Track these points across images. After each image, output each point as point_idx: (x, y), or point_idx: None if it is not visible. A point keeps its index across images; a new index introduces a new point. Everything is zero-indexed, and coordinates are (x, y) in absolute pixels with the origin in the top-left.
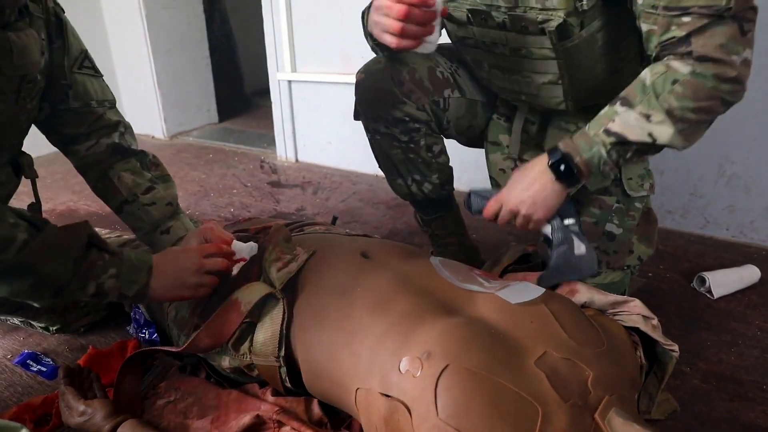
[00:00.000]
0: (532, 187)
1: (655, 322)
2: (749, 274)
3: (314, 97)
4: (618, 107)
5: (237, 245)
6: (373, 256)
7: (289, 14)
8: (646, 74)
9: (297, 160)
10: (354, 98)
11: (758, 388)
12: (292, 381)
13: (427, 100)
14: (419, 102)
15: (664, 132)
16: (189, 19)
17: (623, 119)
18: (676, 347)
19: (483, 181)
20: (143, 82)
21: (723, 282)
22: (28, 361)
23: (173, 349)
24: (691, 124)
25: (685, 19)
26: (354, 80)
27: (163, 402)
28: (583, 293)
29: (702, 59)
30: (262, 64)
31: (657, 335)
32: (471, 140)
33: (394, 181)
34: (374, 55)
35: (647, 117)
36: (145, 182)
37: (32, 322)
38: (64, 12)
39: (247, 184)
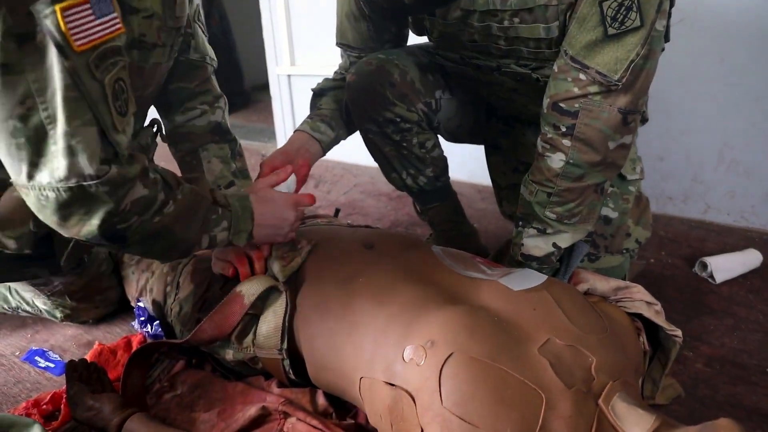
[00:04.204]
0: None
1: (658, 307)
2: (751, 258)
3: None
4: (522, 229)
5: (280, 187)
6: (375, 246)
7: (286, 9)
8: (525, 190)
9: None
10: (346, 95)
11: (761, 372)
12: (296, 373)
13: (418, 102)
14: (410, 104)
15: (563, 238)
16: None
17: (528, 241)
18: (679, 332)
19: (483, 172)
20: None
21: (725, 267)
22: (35, 358)
23: (177, 341)
24: (582, 215)
25: (582, 76)
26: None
27: (170, 395)
28: (585, 280)
29: (578, 140)
30: (261, 59)
31: (660, 321)
32: (458, 137)
33: (389, 174)
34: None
35: (543, 231)
36: (229, 175)
37: (40, 307)
38: None
39: None
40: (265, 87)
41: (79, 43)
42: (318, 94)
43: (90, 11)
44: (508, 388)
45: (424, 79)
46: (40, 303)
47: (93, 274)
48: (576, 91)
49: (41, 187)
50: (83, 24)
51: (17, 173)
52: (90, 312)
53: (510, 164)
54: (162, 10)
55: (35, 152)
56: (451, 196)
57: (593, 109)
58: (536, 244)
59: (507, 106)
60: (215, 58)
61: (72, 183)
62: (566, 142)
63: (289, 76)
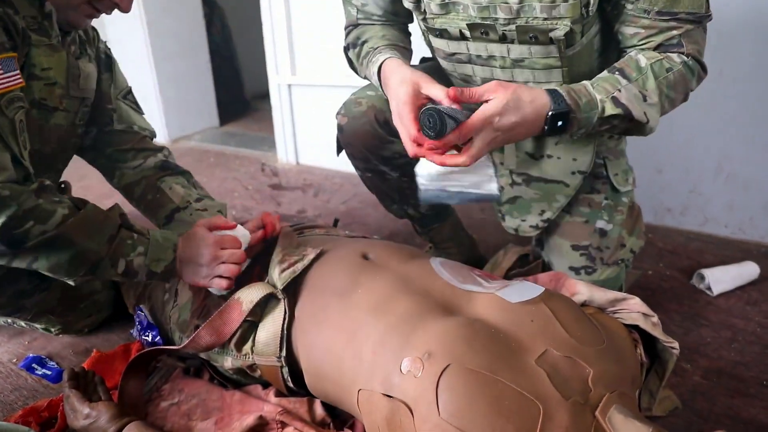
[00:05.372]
0: (516, 128)
1: (655, 319)
2: (748, 270)
3: (314, 99)
4: (619, 78)
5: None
6: (373, 257)
7: (287, 18)
8: (639, 56)
9: (298, 163)
10: (337, 137)
11: (759, 384)
12: (294, 381)
13: None
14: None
15: (653, 115)
16: (189, 24)
17: (628, 92)
18: (676, 344)
19: None
20: (144, 88)
21: (722, 278)
22: (33, 365)
23: (175, 348)
24: (664, 112)
25: (674, 23)
26: (351, 83)
27: (167, 404)
28: (582, 292)
29: (694, 58)
30: (262, 68)
31: (657, 332)
32: None
33: (389, 206)
34: None
35: (644, 96)
36: (195, 193)
37: (33, 325)
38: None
39: (249, 187)
40: (265, 96)
41: None
42: (354, 44)
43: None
44: (505, 400)
45: None
46: (27, 324)
47: (64, 284)
48: (674, 32)
49: None
50: None
51: None
52: (81, 321)
53: (507, 179)
54: (65, 81)
55: None
56: (450, 214)
57: (692, 35)
58: (634, 101)
59: None
60: (149, 128)
61: None
62: (682, 57)
63: (289, 85)
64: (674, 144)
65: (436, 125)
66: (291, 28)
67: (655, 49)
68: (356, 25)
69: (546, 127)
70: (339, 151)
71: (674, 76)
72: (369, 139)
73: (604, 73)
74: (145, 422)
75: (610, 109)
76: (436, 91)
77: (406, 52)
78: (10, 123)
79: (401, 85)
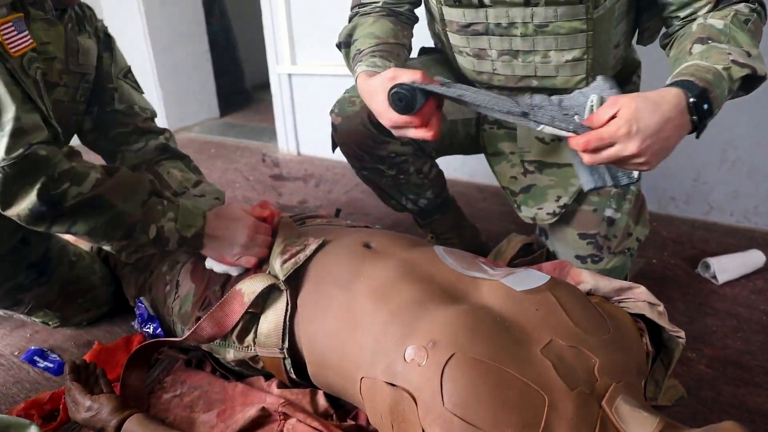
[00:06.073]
0: (665, 129)
1: (661, 308)
2: (754, 258)
3: (314, 89)
4: (716, 44)
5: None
6: (376, 246)
7: (287, 7)
8: (710, 21)
9: (299, 153)
10: (332, 136)
11: (764, 373)
12: (297, 372)
13: None
14: (402, 138)
15: (762, 66)
16: (188, 14)
17: (736, 54)
18: (682, 333)
19: (484, 171)
20: (144, 78)
21: (728, 267)
22: (35, 358)
23: (177, 340)
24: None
25: None
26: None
27: (169, 396)
28: (587, 280)
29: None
30: (262, 57)
31: (663, 322)
32: (450, 153)
33: (388, 202)
34: None
35: (747, 53)
36: (193, 178)
37: (36, 320)
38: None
39: (250, 178)
40: (266, 86)
41: (14, 50)
42: (346, 43)
43: (13, 28)
44: (510, 389)
45: None
46: (26, 317)
47: (63, 278)
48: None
49: None
50: (11, 37)
51: None
52: (80, 315)
53: (519, 168)
54: (64, 56)
55: None
56: (451, 206)
57: None
58: (747, 61)
59: (520, 72)
60: (150, 108)
61: (18, 153)
62: (742, 5)
63: (290, 75)
64: None
65: (406, 99)
66: (291, 17)
67: (717, 3)
68: (356, 14)
69: (695, 117)
70: (334, 148)
71: (754, 26)
72: (363, 139)
73: (695, 47)
74: (147, 414)
75: (738, 72)
76: (406, 76)
77: (395, 49)
78: (34, 83)
79: (371, 91)
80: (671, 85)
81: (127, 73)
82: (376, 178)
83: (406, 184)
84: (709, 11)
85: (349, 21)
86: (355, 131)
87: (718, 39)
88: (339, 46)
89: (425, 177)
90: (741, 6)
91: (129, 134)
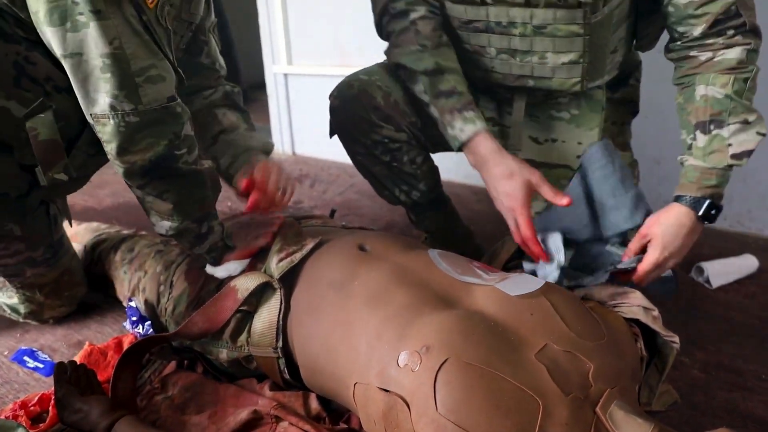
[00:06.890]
0: (687, 242)
1: (656, 313)
2: (747, 263)
3: (310, 89)
4: (719, 131)
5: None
6: (370, 248)
7: (283, 7)
8: (714, 91)
9: (294, 153)
10: (330, 121)
11: (757, 378)
12: (290, 373)
13: (404, 122)
14: (398, 125)
15: (762, 125)
16: None
17: (737, 139)
18: (676, 338)
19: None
20: None
21: (721, 271)
22: (24, 358)
23: (166, 335)
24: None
25: None
26: (347, 72)
27: (161, 398)
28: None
29: (752, 30)
30: (258, 57)
31: (657, 326)
32: (445, 149)
33: (381, 192)
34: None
35: (746, 122)
36: (246, 125)
37: (4, 303)
38: None
39: None
40: (261, 85)
41: (151, 1)
42: (435, 71)
43: None
44: (504, 395)
45: (408, 99)
46: (5, 298)
47: (65, 266)
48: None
49: (125, 114)
50: None
51: (93, 105)
52: (55, 309)
53: None
54: (180, 2)
55: (119, 84)
56: (445, 203)
57: (747, 2)
58: (746, 138)
59: (517, 71)
60: (225, 66)
61: (157, 105)
62: (739, 38)
63: (285, 75)
64: (672, 135)
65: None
66: (287, 17)
67: (711, 26)
68: (406, 13)
69: (707, 222)
70: (332, 134)
71: (752, 82)
72: (358, 122)
73: (698, 136)
74: (137, 417)
75: (737, 162)
76: (551, 196)
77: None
78: (166, 32)
79: (510, 180)
80: (682, 201)
81: (215, 27)
82: (370, 163)
83: (399, 172)
84: (703, 33)
85: (395, 18)
86: (352, 113)
87: (719, 117)
88: (423, 72)
89: (418, 168)
90: (737, 50)
91: (205, 88)
